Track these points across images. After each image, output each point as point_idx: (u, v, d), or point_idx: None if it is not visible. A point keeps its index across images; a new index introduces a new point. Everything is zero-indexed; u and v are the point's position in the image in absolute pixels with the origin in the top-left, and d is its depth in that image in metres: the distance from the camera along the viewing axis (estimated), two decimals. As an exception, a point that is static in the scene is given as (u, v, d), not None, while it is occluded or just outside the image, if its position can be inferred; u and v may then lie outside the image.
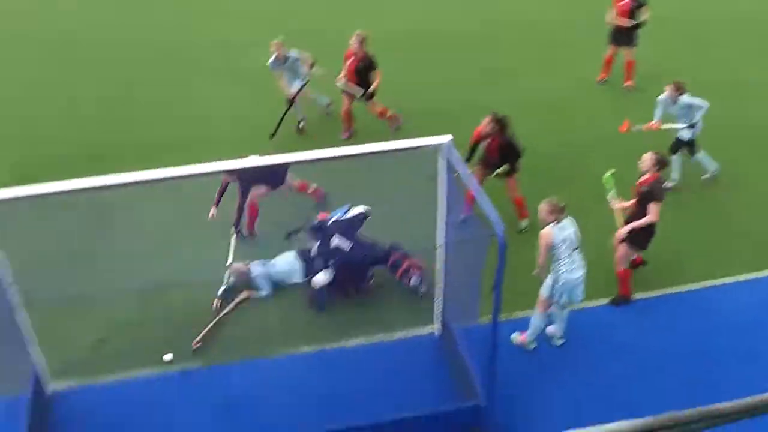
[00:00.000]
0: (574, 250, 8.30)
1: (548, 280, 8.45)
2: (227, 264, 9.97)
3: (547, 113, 13.90)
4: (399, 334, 8.86)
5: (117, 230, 10.69)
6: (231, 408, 8.26)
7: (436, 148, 7.47)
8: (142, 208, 10.35)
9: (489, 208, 6.76)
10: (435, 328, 9.05)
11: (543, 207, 8.22)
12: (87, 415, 8.24)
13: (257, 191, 10.47)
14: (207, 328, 9.12)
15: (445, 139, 7.41)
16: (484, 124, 10.51)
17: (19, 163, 12.65)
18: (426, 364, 8.61)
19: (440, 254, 8.32)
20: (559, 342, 9.00)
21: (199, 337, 9.01)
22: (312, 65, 13.24)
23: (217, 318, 9.30)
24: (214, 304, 9.53)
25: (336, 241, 9.61)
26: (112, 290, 8.98)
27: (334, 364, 8.65)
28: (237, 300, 9.61)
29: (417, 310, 9.18)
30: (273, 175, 10.50)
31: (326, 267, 9.50)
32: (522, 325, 8.99)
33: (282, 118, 13.07)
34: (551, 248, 8.20)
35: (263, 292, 9.71)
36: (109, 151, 12.76)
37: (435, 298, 8.83)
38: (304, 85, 13.21)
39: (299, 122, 13.47)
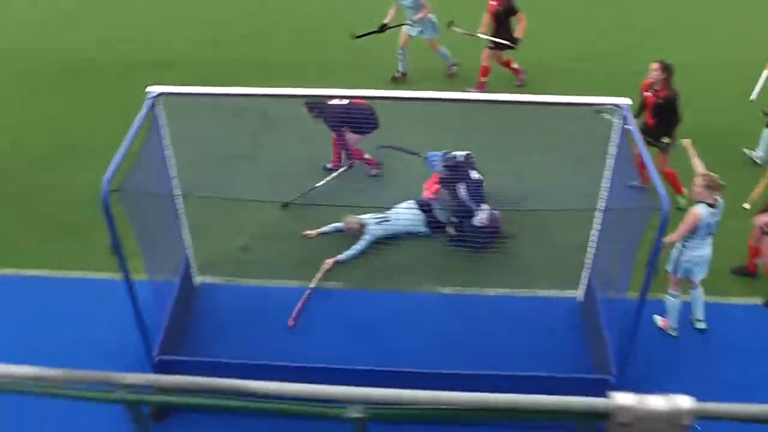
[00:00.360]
0: (710, 234, 7.86)
1: (673, 253, 8.03)
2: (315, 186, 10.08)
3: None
4: (540, 292, 8.73)
5: (279, 142, 11.04)
6: (361, 331, 8.48)
7: (613, 109, 7.22)
8: (306, 123, 10.59)
9: (656, 179, 6.49)
10: (578, 293, 8.86)
11: (699, 181, 7.71)
12: (226, 310, 8.75)
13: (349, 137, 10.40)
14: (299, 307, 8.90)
15: (624, 101, 7.21)
16: (652, 71, 9.85)
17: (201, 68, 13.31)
18: (562, 327, 8.47)
19: (597, 218, 8.10)
20: (701, 326, 8.58)
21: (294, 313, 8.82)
22: (450, 24, 12.85)
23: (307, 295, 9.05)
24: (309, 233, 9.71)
25: (475, 174, 9.50)
26: (262, 198, 9.31)
27: (471, 310, 8.66)
28: (320, 273, 9.27)
29: (563, 271, 9.00)
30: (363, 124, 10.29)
31: (475, 202, 9.41)
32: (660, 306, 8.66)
33: (368, 34, 13.00)
34: (694, 230, 7.75)
35: (352, 252, 9.49)
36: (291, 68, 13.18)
37: (584, 263, 8.61)
38: (401, 26, 13.02)
39: (398, 73, 13.39)
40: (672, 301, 8.37)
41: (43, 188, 10.96)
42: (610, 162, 7.72)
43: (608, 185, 7.84)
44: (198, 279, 9.12)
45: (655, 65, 9.78)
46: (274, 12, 15.99)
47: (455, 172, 9.57)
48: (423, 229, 9.78)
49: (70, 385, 1.71)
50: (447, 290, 8.97)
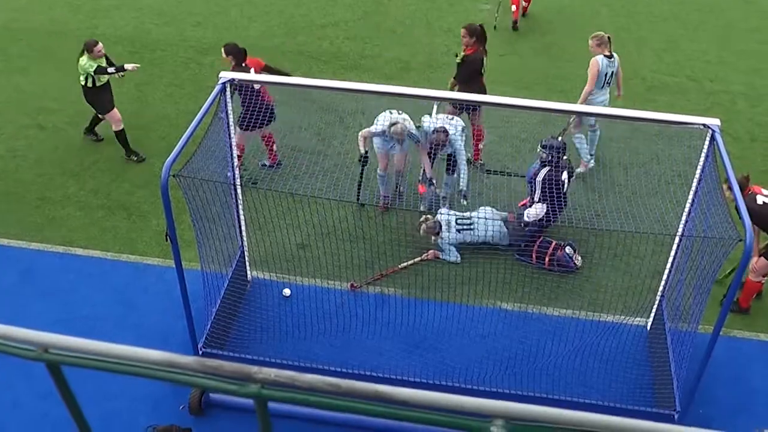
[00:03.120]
0: (608, 84, 10.40)
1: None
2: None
3: None
4: (607, 317, 8.82)
5: (344, 138, 11.37)
6: (415, 341, 8.71)
7: (704, 129, 7.36)
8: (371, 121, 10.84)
9: (743, 207, 6.56)
10: (647, 322, 8.92)
11: (592, 42, 10.65)
12: (278, 308, 9.06)
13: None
14: (375, 277, 9.53)
15: (714, 121, 7.28)
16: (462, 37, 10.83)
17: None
18: (626, 355, 8.55)
19: (675, 245, 8.17)
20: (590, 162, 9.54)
21: (364, 281, 9.46)
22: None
23: (391, 271, 9.65)
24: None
25: (565, 176, 9.65)
26: (323, 195, 9.58)
27: (532, 328, 8.83)
28: (419, 258, 9.84)
29: (633, 296, 9.07)
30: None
31: (546, 197, 9.53)
32: (741, 345, 8.67)
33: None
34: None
35: (450, 258, 9.86)
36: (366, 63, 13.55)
37: (656, 291, 8.68)
38: None
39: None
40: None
41: (102, 166, 11.47)
42: (694, 186, 7.78)
43: (689, 211, 7.90)
44: (251, 273, 9.44)
45: (462, 30, 10.88)
46: (354, 6, 16.33)
47: (552, 161, 9.69)
48: (506, 242, 9.98)
49: (200, 374, 1.89)
50: (508, 306, 9.13)
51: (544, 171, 9.64)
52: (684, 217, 8.03)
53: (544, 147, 9.70)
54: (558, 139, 10.00)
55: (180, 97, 12.46)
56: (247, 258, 9.29)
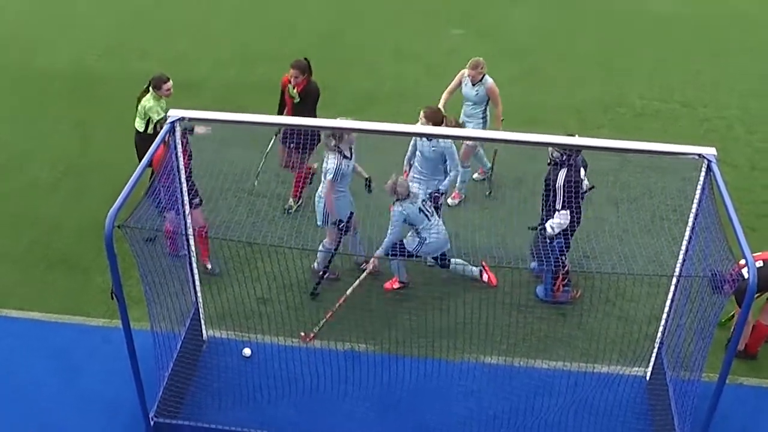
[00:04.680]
0: None
1: None
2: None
3: None
4: (601, 368, 8.82)
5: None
6: (389, 401, 8.66)
7: (699, 160, 7.43)
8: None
9: (745, 245, 6.62)
10: (646, 371, 8.94)
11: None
12: (237, 369, 8.96)
13: None
14: (326, 318, 9.59)
15: (710, 150, 7.37)
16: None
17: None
18: (624, 409, 8.53)
19: (673, 286, 8.22)
20: None
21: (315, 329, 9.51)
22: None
23: (341, 301, 9.66)
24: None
25: (583, 173, 9.63)
26: (284, 243, 9.54)
27: (519, 384, 8.79)
28: (364, 274, 9.88)
29: (629, 344, 9.09)
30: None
31: (567, 204, 9.48)
32: (748, 393, 8.74)
33: None
34: None
35: (391, 237, 9.75)
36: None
37: (655, 337, 8.71)
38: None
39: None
40: None
41: (38, 216, 11.39)
42: (690, 221, 7.84)
43: (686, 248, 7.95)
44: (207, 332, 9.37)
45: (292, 71, 11.07)
46: (309, 34, 16.41)
47: (567, 161, 9.59)
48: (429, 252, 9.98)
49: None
50: (492, 359, 9.10)
51: (562, 174, 9.49)
52: (681, 256, 8.07)
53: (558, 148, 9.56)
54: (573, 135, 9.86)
55: (125, 138, 12.33)
56: (202, 315, 9.21)
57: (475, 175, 12.08)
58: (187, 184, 8.44)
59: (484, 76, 11.33)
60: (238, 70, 15.10)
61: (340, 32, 16.57)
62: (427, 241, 9.80)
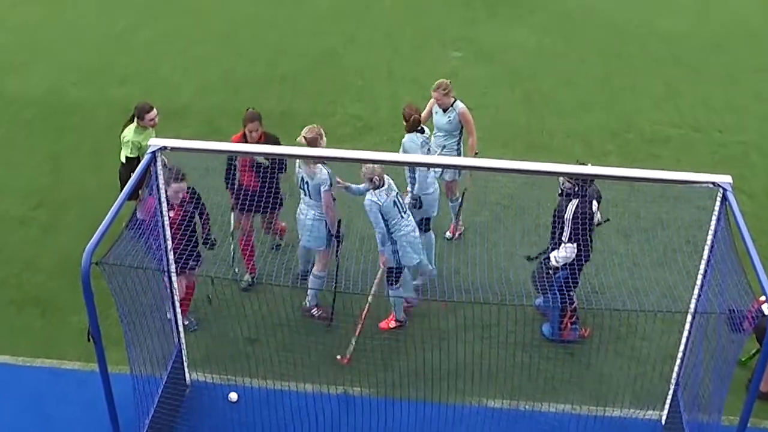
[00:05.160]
0: None
1: None
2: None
3: None
4: (613, 411, 8.77)
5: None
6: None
7: (714, 188, 7.45)
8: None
9: (764, 279, 6.61)
10: (661, 414, 8.89)
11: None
12: (222, 417, 8.91)
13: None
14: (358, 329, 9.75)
15: (725, 179, 7.37)
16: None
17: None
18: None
19: (688, 323, 8.19)
20: None
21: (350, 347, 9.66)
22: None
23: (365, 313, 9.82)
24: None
25: (595, 206, 9.60)
26: (274, 280, 9.53)
27: (525, 428, 8.77)
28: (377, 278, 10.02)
29: (643, 385, 9.05)
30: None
31: (576, 236, 9.43)
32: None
33: None
34: None
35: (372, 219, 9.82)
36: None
37: (670, 378, 8.67)
38: None
39: None
40: None
41: (9, 253, 11.35)
42: (705, 254, 7.83)
43: (701, 282, 7.94)
44: (191, 376, 9.32)
45: (250, 125, 10.24)
46: (300, 57, 16.47)
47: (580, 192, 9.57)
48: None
49: None
50: (496, 403, 9.06)
51: (572, 205, 9.49)
52: (696, 291, 8.06)
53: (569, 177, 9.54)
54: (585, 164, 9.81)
55: (103, 169, 12.36)
56: (185, 357, 9.15)
57: (447, 234, 11.67)
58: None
59: (455, 100, 11.09)
60: (223, 95, 15.10)
61: (333, 54, 16.66)
62: (402, 245, 9.77)
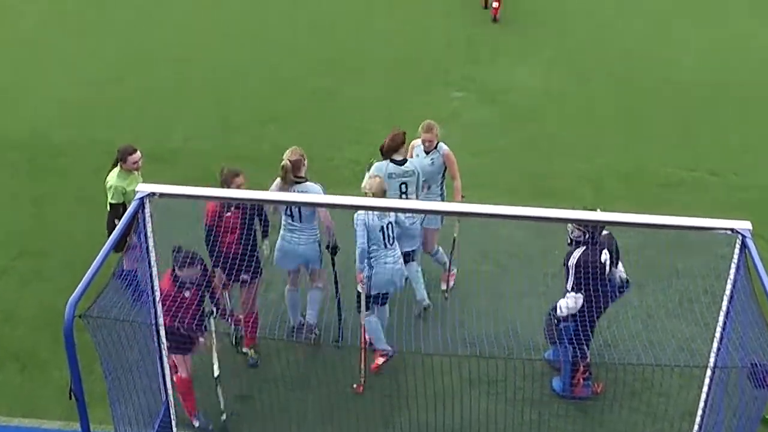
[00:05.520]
0: None
1: None
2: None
3: None
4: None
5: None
6: None
7: (732, 235, 7.39)
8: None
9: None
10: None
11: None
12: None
13: None
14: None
15: (744, 225, 7.35)
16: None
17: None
18: None
19: (708, 378, 8.11)
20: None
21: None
22: None
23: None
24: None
25: (606, 256, 9.53)
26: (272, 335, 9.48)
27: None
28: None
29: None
30: None
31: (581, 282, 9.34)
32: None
33: None
34: None
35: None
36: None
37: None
38: None
39: None
40: None
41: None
42: (724, 305, 7.76)
43: (721, 335, 7.86)
44: (177, 435, 9.21)
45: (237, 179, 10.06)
46: (296, 96, 16.51)
47: (590, 240, 9.53)
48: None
49: None
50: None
51: (578, 252, 9.49)
52: (715, 344, 7.95)
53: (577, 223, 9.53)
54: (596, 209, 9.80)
55: (88, 215, 12.32)
56: (173, 415, 9.02)
57: (442, 285, 11.53)
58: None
59: (438, 142, 11.08)
60: (215, 139, 15.10)
61: (329, 93, 16.69)
62: (375, 271, 9.85)
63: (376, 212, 9.69)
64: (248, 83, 17.06)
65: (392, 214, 9.90)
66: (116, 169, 10.61)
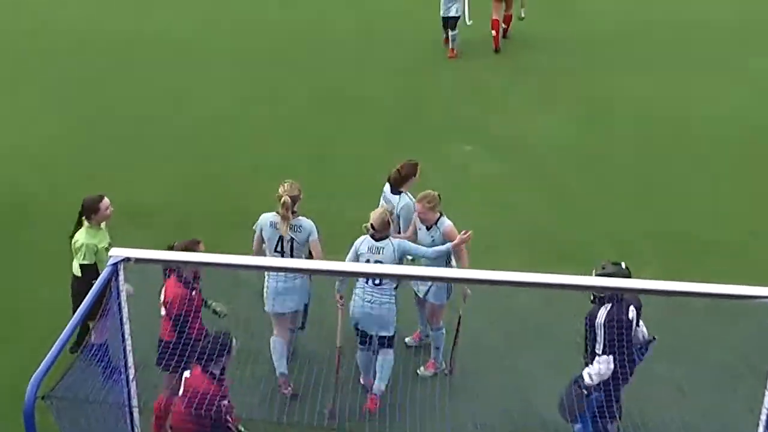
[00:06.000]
0: None
1: None
2: None
3: None
4: None
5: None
6: None
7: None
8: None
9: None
10: None
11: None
12: None
13: None
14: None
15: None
16: None
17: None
18: None
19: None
20: None
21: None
22: None
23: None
24: None
25: (633, 313, 9.47)
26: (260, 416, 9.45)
27: None
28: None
29: None
30: None
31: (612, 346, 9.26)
32: None
33: None
34: None
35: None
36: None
37: None
38: None
39: None
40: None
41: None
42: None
43: (767, 415, 7.79)
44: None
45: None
46: (291, 150, 16.51)
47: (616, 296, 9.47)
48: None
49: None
50: None
51: (604, 311, 9.37)
52: (762, 425, 7.86)
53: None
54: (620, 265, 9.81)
55: (57, 280, 12.25)
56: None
57: (407, 339, 11.68)
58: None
59: (440, 216, 10.89)
60: (196, 195, 15.06)
61: (324, 146, 16.72)
62: (353, 299, 10.45)
63: (367, 240, 10.35)
64: (230, 135, 17.17)
65: (383, 256, 10.35)
66: (83, 228, 10.47)
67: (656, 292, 8.08)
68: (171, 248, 9.64)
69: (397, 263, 10.27)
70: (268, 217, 10.64)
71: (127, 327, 7.93)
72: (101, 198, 10.48)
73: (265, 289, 10.68)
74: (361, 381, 10.82)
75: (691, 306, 11.02)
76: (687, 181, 15.73)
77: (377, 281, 10.27)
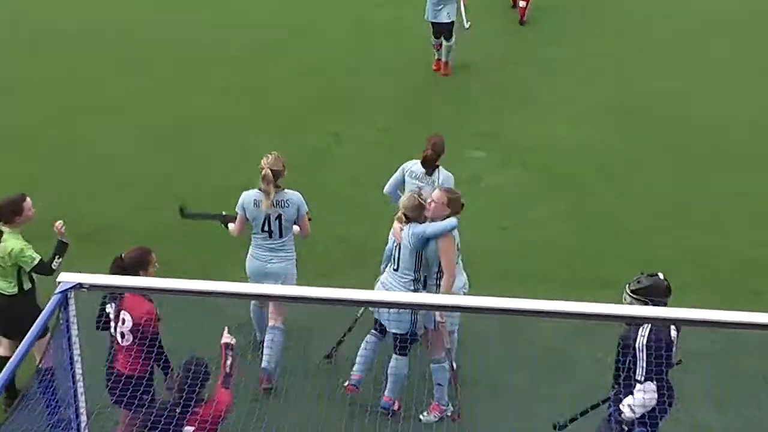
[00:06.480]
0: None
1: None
2: None
3: None
4: None
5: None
6: None
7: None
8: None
9: None
10: None
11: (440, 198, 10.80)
12: None
13: None
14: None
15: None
16: None
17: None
18: None
19: None
20: None
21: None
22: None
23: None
24: None
25: (674, 333, 9.30)
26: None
27: None
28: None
29: None
30: None
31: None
32: None
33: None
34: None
35: None
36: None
37: None
38: None
39: None
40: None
41: None
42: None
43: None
44: None
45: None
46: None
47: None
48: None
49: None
50: None
51: (644, 329, 9.17)
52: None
53: (636, 293, 9.33)
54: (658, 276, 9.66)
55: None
56: None
57: (423, 414, 11.35)
58: None
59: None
60: (167, 210, 14.83)
61: (316, 156, 16.66)
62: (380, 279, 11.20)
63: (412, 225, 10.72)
64: (211, 145, 17.12)
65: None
66: (5, 234, 10.10)
67: (701, 322, 7.79)
68: (119, 259, 9.44)
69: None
70: (251, 195, 10.92)
71: (78, 367, 7.73)
72: (24, 197, 10.22)
73: (247, 261, 11.21)
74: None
75: (741, 340, 10.84)
76: (729, 192, 15.57)
77: (395, 266, 10.76)
